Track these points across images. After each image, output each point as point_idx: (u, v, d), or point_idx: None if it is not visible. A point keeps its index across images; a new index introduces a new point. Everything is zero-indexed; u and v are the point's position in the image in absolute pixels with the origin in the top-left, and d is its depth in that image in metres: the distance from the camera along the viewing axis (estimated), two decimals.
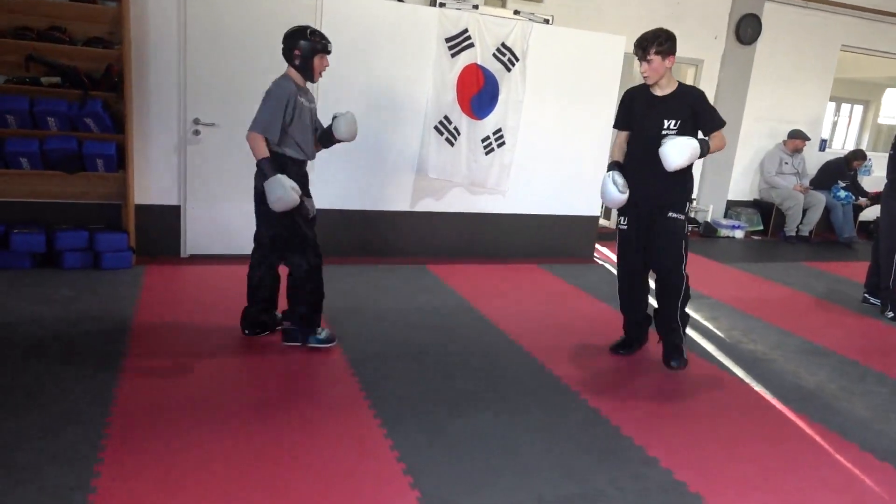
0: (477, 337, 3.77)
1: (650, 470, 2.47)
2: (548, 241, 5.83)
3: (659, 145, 3.15)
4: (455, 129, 5.17)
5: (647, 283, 3.57)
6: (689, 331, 4.16)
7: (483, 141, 5.28)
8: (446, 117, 5.14)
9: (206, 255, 4.84)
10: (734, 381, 3.44)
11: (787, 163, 7.75)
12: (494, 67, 5.20)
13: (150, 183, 4.62)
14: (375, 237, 5.30)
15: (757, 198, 8.14)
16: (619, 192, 3.27)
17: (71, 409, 2.54)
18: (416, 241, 5.41)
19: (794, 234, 7.66)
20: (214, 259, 4.78)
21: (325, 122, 3.47)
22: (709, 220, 7.73)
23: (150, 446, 2.34)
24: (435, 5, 5.69)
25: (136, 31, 4.31)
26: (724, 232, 7.67)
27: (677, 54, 3.21)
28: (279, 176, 2.98)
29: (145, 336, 3.35)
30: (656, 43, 3.13)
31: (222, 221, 4.80)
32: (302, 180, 3.22)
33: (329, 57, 3.23)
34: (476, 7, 5.38)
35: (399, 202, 5.30)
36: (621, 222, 3.44)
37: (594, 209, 5.98)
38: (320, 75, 3.25)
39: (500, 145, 5.34)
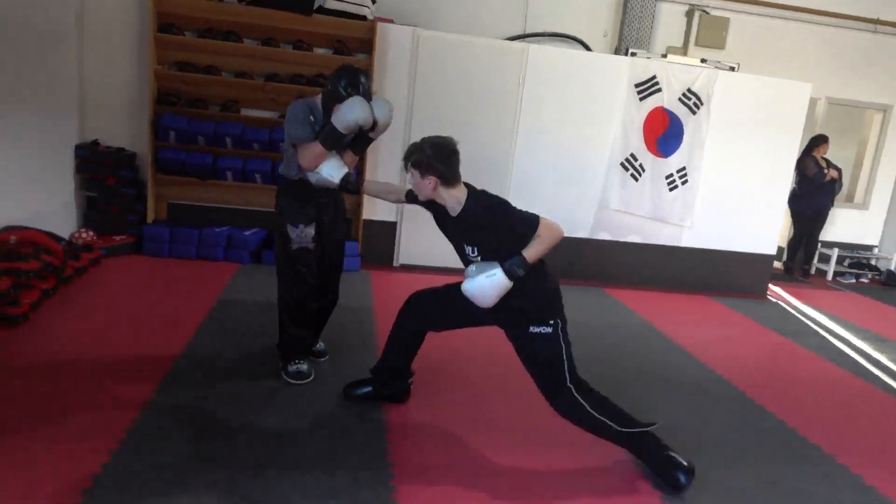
0: (669, 361, 4.16)
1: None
2: (721, 275, 6.05)
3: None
4: (640, 165, 5.64)
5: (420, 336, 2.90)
6: (873, 369, 4.29)
7: (667, 178, 5.69)
8: (632, 155, 5.62)
9: (413, 265, 5.63)
10: None
11: None
12: (680, 111, 5.62)
13: (376, 202, 5.51)
14: (558, 260, 5.84)
15: None
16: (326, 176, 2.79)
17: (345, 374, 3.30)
18: (594, 266, 5.88)
19: None
20: (419, 269, 5.56)
21: None
22: (892, 268, 7.47)
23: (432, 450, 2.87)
24: (621, 53, 6.24)
25: (378, 79, 5.25)
26: None
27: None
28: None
29: (389, 325, 4.10)
30: (413, 156, 2.50)
31: (428, 238, 5.56)
32: (320, 210, 2.99)
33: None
34: (664, 56, 5.84)
35: (581, 230, 5.82)
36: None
37: (770, 248, 6.12)
38: None
39: (683, 182, 5.71)
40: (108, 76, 5.15)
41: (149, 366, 3.07)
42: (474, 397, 3.19)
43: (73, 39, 4.91)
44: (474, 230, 2.51)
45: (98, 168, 5.05)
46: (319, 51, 5.28)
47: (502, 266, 2.41)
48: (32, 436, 2.40)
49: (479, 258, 2.52)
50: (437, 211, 2.64)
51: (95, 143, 5.10)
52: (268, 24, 5.09)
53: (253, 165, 5.13)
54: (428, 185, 2.50)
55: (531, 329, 2.52)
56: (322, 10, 5.14)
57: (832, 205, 7.01)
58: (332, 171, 2.81)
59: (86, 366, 3.03)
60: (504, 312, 2.55)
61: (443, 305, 2.79)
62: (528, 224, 2.47)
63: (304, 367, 3.09)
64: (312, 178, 2.84)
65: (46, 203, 4.64)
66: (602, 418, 2.48)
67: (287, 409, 2.81)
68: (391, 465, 2.45)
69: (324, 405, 2.89)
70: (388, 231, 5.58)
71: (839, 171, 6.87)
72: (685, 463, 2.47)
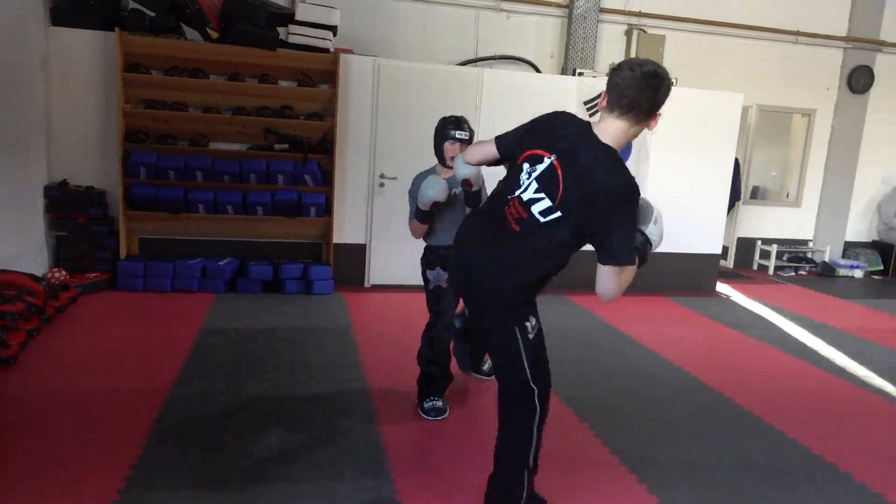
0: (631, 357, 4.49)
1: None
2: (673, 276, 6.45)
3: None
4: None
5: None
6: (813, 351, 4.71)
7: None
8: None
9: (384, 284, 5.83)
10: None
11: None
12: None
13: (345, 226, 5.70)
14: None
15: (876, 239, 8.38)
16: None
17: (338, 391, 3.49)
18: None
19: None
20: (390, 288, 5.76)
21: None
22: (826, 260, 8.05)
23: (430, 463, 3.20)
24: (569, 74, 6.63)
25: (342, 107, 5.46)
26: (842, 272, 7.95)
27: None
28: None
29: (368, 343, 4.30)
30: None
31: (398, 258, 5.79)
32: (443, 261, 3.18)
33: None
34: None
35: None
36: None
37: (716, 247, 6.57)
38: (452, 161, 3.09)
39: None
40: (75, 117, 5.21)
41: (145, 399, 3.19)
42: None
43: (40, 83, 4.98)
44: None
45: (68, 207, 5.10)
46: (284, 83, 5.46)
47: None
48: (39, 474, 2.51)
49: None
50: None
51: (65, 182, 5.15)
52: (233, 61, 5.25)
53: (224, 197, 5.25)
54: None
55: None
56: (285, 45, 5.33)
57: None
58: (434, 192, 2.98)
59: (82, 403, 3.13)
60: None
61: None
62: None
63: (439, 403, 3.23)
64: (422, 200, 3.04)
65: (19, 245, 4.67)
66: None
67: (282, 428, 2.98)
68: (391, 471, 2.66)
69: (316, 424, 3.07)
70: (357, 253, 5.77)
71: None
72: None
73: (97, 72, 5.19)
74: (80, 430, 2.84)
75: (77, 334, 4.11)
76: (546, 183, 2.06)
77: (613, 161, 2.03)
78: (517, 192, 2.13)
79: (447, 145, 3.24)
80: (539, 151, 2.10)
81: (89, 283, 5.00)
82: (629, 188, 2.01)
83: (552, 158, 2.07)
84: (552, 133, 2.12)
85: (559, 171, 2.04)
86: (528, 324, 2.17)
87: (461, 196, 3.11)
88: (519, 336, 2.15)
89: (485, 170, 2.68)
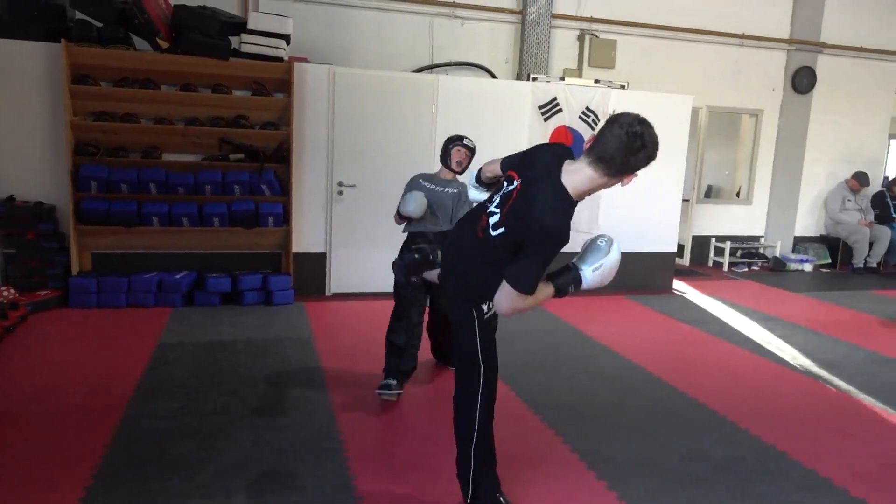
0: (590, 354, 4.56)
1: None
2: (630, 275, 6.56)
3: None
4: None
5: None
6: (763, 344, 4.86)
7: None
8: None
9: (345, 293, 5.81)
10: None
11: (849, 200, 8.31)
12: (581, 128, 6.13)
13: (304, 234, 5.66)
14: None
15: (823, 233, 8.68)
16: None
17: (305, 412, 3.47)
18: None
19: (862, 265, 8.15)
20: (352, 296, 5.75)
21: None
22: (777, 255, 8.30)
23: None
24: (524, 79, 6.72)
25: (298, 116, 5.44)
26: (793, 266, 8.21)
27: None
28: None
29: (330, 352, 4.28)
30: None
31: (358, 265, 5.78)
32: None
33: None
34: (562, 79, 6.35)
35: None
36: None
37: (671, 246, 6.72)
38: (458, 164, 3.70)
39: None
40: (21, 131, 5.07)
41: (100, 417, 3.13)
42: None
43: None
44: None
45: (16, 223, 4.96)
46: (238, 93, 5.41)
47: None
48: None
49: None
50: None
51: (11, 198, 5.01)
52: (185, 71, 5.18)
53: (179, 209, 5.17)
54: None
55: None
56: (238, 54, 5.29)
57: None
58: (412, 208, 3.50)
59: (34, 424, 3.05)
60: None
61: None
62: None
63: (392, 382, 3.48)
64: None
65: None
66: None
67: (241, 440, 2.95)
68: (353, 479, 2.66)
69: (277, 435, 3.05)
70: (318, 262, 5.74)
71: None
72: None
73: (43, 84, 5.06)
74: (32, 451, 2.77)
75: (28, 354, 3.99)
76: (503, 199, 2.21)
77: (557, 202, 2.04)
78: (489, 205, 2.28)
79: (453, 151, 3.72)
80: (514, 174, 2.22)
81: (40, 301, 4.87)
82: (550, 228, 2.03)
83: (518, 182, 2.17)
84: (531, 158, 2.22)
85: (515, 193, 2.16)
86: (483, 306, 2.37)
87: (446, 201, 3.63)
88: (475, 315, 2.37)
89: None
